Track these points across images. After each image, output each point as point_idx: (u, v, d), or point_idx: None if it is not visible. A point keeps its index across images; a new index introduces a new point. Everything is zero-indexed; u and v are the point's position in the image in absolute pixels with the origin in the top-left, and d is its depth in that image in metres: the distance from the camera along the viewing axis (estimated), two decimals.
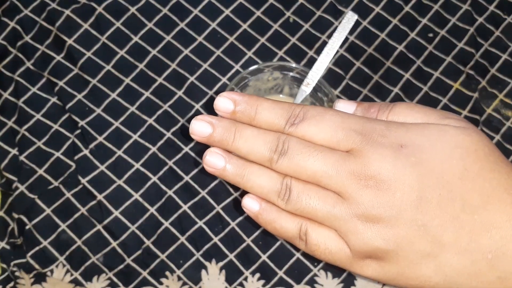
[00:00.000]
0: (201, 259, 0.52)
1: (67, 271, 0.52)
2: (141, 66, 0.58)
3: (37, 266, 0.52)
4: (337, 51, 0.58)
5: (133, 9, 0.60)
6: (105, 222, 0.53)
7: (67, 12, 0.59)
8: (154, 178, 0.54)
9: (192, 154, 0.55)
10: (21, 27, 0.59)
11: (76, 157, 0.55)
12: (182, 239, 0.53)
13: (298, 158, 0.32)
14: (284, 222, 0.34)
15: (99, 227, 0.53)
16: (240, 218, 0.53)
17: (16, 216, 0.54)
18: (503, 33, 0.60)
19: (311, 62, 0.57)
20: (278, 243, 0.53)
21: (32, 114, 0.57)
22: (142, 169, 0.55)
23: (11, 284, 0.51)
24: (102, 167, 0.55)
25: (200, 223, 0.53)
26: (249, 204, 0.34)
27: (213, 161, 0.34)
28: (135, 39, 0.59)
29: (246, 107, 0.33)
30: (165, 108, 0.57)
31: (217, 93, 0.57)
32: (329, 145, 0.32)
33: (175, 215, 0.53)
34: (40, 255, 0.52)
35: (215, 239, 0.53)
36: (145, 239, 0.53)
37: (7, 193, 0.55)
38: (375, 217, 0.31)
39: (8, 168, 0.55)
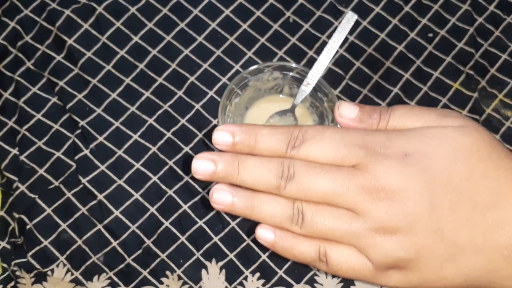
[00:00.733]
0: (201, 258, 0.53)
1: (68, 270, 0.52)
2: (141, 66, 0.58)
3: (37, 266, 0.52)
4: (337, 51, 0.58)
5: (133, 9, 0.60)
6: (106, 221, 0.53)
7: (67, 12, 0.59)
8: (154, 178, 0.55)
9: (192, 154, 0.55)
10: (21, 27, 0.59)
11: (76, 157, 0.55)
12: (182, 238, 0.53)
13: (306, 180, 0.32)
14: (302, 247, 0.33)
15: (99, 226, 0.53)
16: (240, 218, 0.54)
17: (16, 215, 0.54)
18: (503, 33, 0.60)
19: (311, 62, 0.57)
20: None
21: (33, 114, 0.57)
22: (142, 169, 0.55)
23: (12, 283, 0.51)
24: (103, 167, 0.55)
25: (200, 222, 0.53)
26: (264, 235, 0.34)
27: (220, 198, 0.33)
28: (135, 39, 0.59)
29: (245, 137, 0.33)
30: (165, 108, 0.57)
31: (217, 93, 0.57)
32: (334, 163, 0.32)
33: (175, 215, 0.54)
34: (41, 254, 0.53)
35: (215, 239, 0.53)
36: (145, 239, 0.53)
37: (7, 193, 0.55)
38: (392, 228, 0.31)
39: (9, 168, 0.55)
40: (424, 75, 0.58)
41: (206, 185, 0.54)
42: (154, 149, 0.55)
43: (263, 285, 0.52)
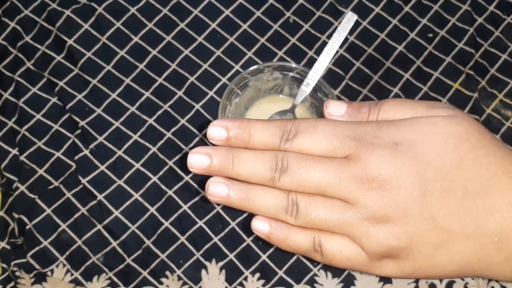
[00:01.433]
0: (201, 259, 0.52)
1: (67, 271, 0.52)
2: (141, 66, 0.58)
3: (37, 266, 0.52)
4: (337, 51, 0.58)
5: (133, 10, 0.60)
6: (105, 222, 0.53)
7: (67, 12, 0.59)
8: (154, 178, 0.55)
9: None
10: (22, 27, 0.59)
11: (76, 157, 0.55)
12: (182, 239, 0.53)
13: (299, 172, 0.32)
14: (297, 237, 0.34)
15: (99, 227, 0.53)
16: (240, 218, 0.53)
17: (16, 216, 0.54)
18: (503, 33, 0.60)
19: (311, 62, 0.57)
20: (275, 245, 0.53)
21: (33, 114, 0.57)
22: (142, 169, 0.55)
23: (12, 284, 0.51)
24: (102, 167, 0.55)
25: (200, 223, 0.53)
26: (259, 226, 0.34)
27: (216, 190, 0.34)
28: (135, 39, 0.59)
29: (239, 131, 0.34)
30: (165, 108, 0.57)
31: (217, 93, 0.57)
32: (326, 155, 0.33)
33: (175, 215, 0.53)
34: (41, 255, 0.52)
35: (215, 239, 0.53)
36: (145, 239, 0.53)
37: (7, 193, 0.55)
38: (384, 217, 0.32)
39: (9, 168, 0.55)
40: (424, 75, 0.58)
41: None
42: (154, 149, 0.55)
43: (263, 285, 0.52)
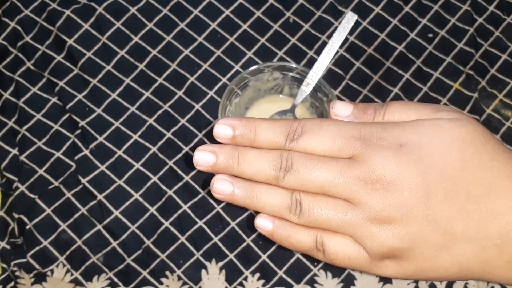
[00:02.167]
0: (201, 259, 0.52)
1: (67, 271, 0.52)
2: (141, 66, 0.58)
3: (37, 266, 0.52)
4: (337, 51, 0.58)
5: (133, 9, 0.60)
6: (105, 222, 0.53)
7: (68, 12, 0.59)
8: (154, 178, 0.55)
9: (192, 154, 0.55)
10: (22, 27, 0.59)
11: (76, 157, 0.55)
12: (182, 239, 0.53)
13: (304, 172, 0.33)
14: (299, 236, 0.34)
15: (99, 227, 0.53)
16: (240, 218, 0.53)
17: (16, 216, 0.54)
18: (503, 33, 0.60)
19: (311, 62, 0.57)
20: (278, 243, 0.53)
21: (33, 114, 0.57)
22: (142, 169, 0.55)
23: (12, 284, 0.51)
24: (102, 167, 0.55)
25: (200, 223, 0.53)
26: (262, 224, 0.35)
27: (220, 187, 0.34)
28: (135, 39, 0.59)
29: (245, 130, 0.34)
30: (165, 108, 0.57)
31: (217, 93, 0.57)
32: (331, 155, 0.33)
33: (175, 215, 0.53)
34: (40, 255, 0.52)
35: (215, 239, 0.53)
36: (145, 239, 0.53)
37: (7, 193, 0.55)
38: (387, 218, 0.32)
39: (9, 168, 0.55)
40: (424, 75, 0.58)
41: (206, 185, 0.54)
42: (154, 149, 0.55)
43: (263, 285, 0.52)
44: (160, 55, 0.58)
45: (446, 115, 0.34)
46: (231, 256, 0.53)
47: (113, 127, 0.56)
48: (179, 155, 0.55)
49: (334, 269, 0.52)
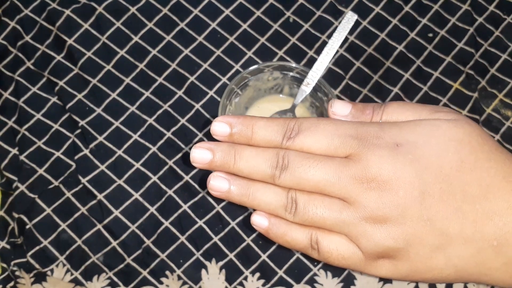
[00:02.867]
0: (201, 258, 0.52)
1: (67, 270, 0.52)
2: (141, 66, 0.58)
3: (37, 266, 0.52)
4: (337, 51, 0.58)
5: (133, 9, 0.60)
6: (105, 221, 0.53)
7: (67, 12, 0.59)
8: (154, 178, 0.55)
9: None
10: (22, 27, 0.59)
11: (76, 157, 0.55)
12: (182, 238, 0.53)
13: (300, 170, 0.33)
14: (295, 234, 0.34)
15: (99, 226, 0.53)
16: (240, 218, 0.54)
17: (16, 215, 0.54)
18: (503, 33, 0.60)
19: (311, 62, 0.57)
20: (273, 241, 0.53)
21: (33, 113, 0.57)
22: (142, 169, 0.55)
23: (12, 283, 0.51)
24: (102, 167, 0.55)
25: (200, 222, 0.53)
26: (258, 221, 0.35)
27: (217, 185, 0.34)
28: (135, 39, 0.59)
29: (242, 128, 0.34)
30: (165, 108, 0.57)
31: (217, 92, 0.57)
32: (327, 154, 0.33)
33: (175, 215, 0.53)
34: (40, 254, 0.52)
35: (215, 239, 0.53)
36: (145, 239, 0.53)
37: (7, 193, 0.55)
38: (382, 217, 0.32)
39: (9, 167, 0.55)
40: (424, 75, 0.58)
41: (206, 185, 0.54)
42: (154, 149, 0.55)
43: (263, 285, 0.52)
44: (160, 54, 0.58)
45: (444, 115, 0.34)
46: (231, 255, 0.53)
47: (113, 127, 0.56)
48: (179, 155, 0.55)
49: (334, 269, 0.52)
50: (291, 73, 0.54)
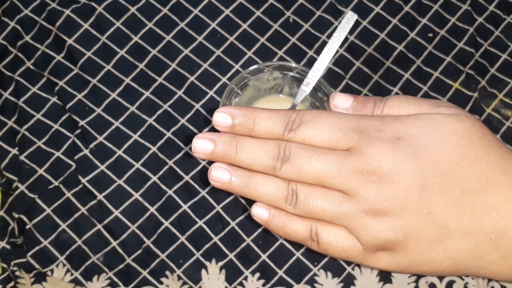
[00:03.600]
0: (201, 258, 0.52)
1: (67, 270, 0.52)
2: (141, 66, 0.58)
3: (37, 266, 0.52)
4: (337, 51, 0.58)
5: (133, 9, 0.60)
6: (105, 221, 0.53)
7: (67, 12, 0.59)
8: (154, 178, 0.55)
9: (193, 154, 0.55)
10: (21, 27, 0.59)
11: (76, 157, 0.55)
12: (182, 238, 0.53)
13: (301, 162, 0.33)
14: (295, 225, 0.34)
15: (99, 226, 0.53)
16: (240, 218, 0.54)
17: (16, 215, 0.54)
18: (503, 33, 0.60)
19: (311, 62, 0.57)
20: (278, 243, 0.53)
21: (32, 113, 0.57)
22: (142, 169, 0.55)
23: (12, 283, 0.51)
24: (102, 167, 0.55)
25: (200, 222, 0.53)
26: (258, 212, 0.35)
27: (218, 175, 0.34)
28: (135, 39, 0.59)
29: (244, 119, 0.34)
30: (165, 108, 0.57)
31: (217, 92, 0.57)
32: (328, 146, 0.33)
33: (175, 215, 0.53)
34: (40, 254, 0.52)
35: (215, 239, 0.53)
36: (145, 239, 0.53)
37: (7, 193, 0.55)
38: (382, 210, 0.32)
39: (8, 167, 0.55)
40: (424, 75, 0.58)
41: (206, 185, 0.54)
42: (154, 149, 0.55)
43: (263, 285, 0.52)
44: (160, 54, 0.58)
45: (445, 110, 0.34)
46: (231, 256, 0.53)
47: (113, 127, 0.56)
48: (179, 155, 0.55)
49: (334, 269, 0.52)
50: (291, 73, 0.54)
